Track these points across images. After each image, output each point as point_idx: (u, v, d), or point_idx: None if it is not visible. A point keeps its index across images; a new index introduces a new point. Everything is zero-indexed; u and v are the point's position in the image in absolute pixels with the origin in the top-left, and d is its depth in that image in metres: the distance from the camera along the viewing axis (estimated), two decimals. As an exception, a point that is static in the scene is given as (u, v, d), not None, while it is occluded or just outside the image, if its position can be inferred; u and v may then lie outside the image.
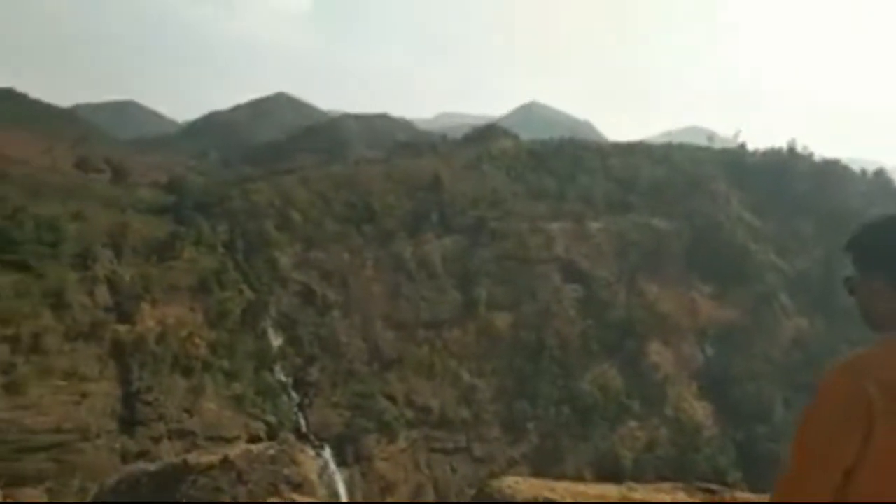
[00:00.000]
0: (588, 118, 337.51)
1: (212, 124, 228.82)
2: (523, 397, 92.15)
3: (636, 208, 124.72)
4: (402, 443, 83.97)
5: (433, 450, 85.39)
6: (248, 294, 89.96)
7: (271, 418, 77.38)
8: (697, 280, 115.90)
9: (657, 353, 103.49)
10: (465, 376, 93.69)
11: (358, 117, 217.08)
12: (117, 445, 64.55)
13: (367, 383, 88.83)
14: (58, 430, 61.41)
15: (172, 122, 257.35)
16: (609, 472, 77.78)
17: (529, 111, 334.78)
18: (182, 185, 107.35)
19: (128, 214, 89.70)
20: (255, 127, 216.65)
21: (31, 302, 67.84)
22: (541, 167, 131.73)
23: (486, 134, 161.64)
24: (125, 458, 63.90)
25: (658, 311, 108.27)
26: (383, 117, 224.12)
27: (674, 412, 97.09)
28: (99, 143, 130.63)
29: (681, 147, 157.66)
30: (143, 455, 65.21)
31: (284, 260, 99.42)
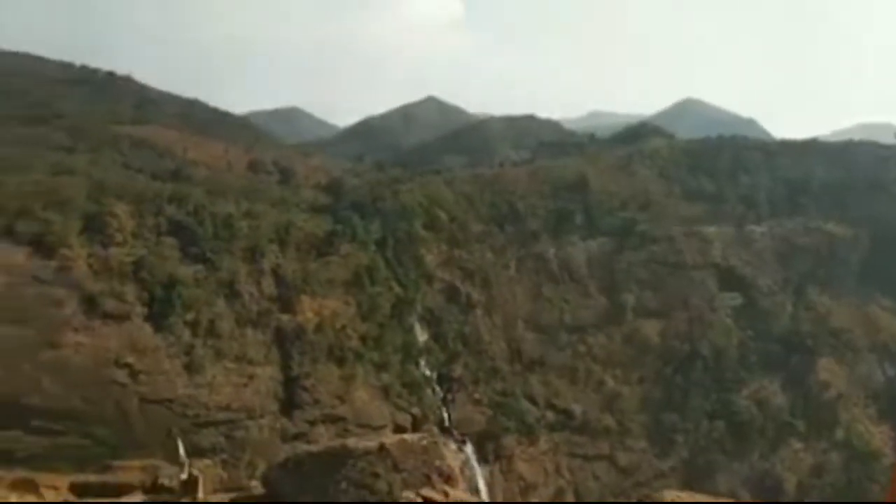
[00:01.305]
0: (752, 115, 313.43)
1: (367, 129, 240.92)
2: (672, 409, 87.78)
3: (806, 211, 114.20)
4: (542, 445, 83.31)
5: (574, 455, 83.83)
6: (397, 290, 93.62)
7: (416, 410, 80.00)
8: (876, 292, 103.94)
9: (828, 371, 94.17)
10: (610, 383, 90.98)
11: (504, 119, 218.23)
12: (278, 426, 69.97)
13: (508, 383, 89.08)
14: (228, 408, 67.77)
15: (333, 127, 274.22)
16: (768, 493, 72.06)
17: (685, 108, 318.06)
18: (340, 186, 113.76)
19: (292, 213, 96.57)
20: (406, 130, 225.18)
21: (207, 291, 75.37)
22: (698, 167, 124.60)
23: (637, 133, 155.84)
24: (284, 437, 69.14)
25: (830, 325, 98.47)
26: (529, 118, 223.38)
27: (846, 435, 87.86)
28: (269, 147, 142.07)
29: (861, 145, 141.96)
30: (300, 436, 70.15)
31: (430, 258, 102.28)
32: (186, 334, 69.62)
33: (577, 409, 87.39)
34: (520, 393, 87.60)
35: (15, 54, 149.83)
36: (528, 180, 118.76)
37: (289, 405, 72.03)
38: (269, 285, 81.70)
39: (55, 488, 6.57)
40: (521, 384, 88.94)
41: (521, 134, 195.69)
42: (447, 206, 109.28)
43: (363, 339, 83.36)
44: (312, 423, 71.98)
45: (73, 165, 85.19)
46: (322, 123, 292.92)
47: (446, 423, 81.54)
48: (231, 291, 76.81)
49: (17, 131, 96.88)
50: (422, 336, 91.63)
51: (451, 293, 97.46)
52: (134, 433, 60.89)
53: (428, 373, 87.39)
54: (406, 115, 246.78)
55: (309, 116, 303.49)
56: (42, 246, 65.70)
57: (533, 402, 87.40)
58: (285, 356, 75.48)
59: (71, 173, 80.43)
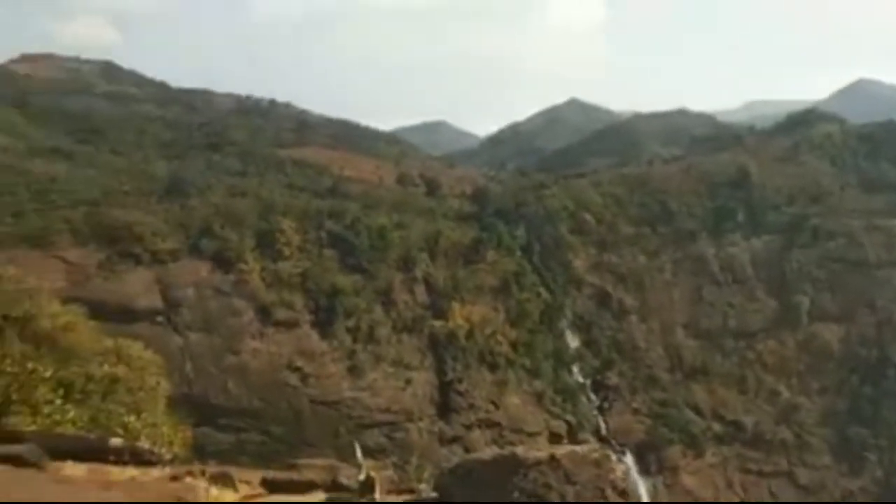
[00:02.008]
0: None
1: (509, 136, 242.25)
2: (860, 422, 78.65)
3: None
4: (710, 458, 78.18)
5: (747, 470, 77.72)
6: (546, 296, 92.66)
7: (571, 418, 78.49)
8: None
9: None
10: (785, 393, 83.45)
11: (652, 116, 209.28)
12: (436, 429, 71.79)
13: (669, 392, 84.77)
14: (388, 411, 70.66)
15: (476, 137, 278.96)
16: None
17: (857, 91, 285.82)
18: (484, 194, 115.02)
19: (439, 223, 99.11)
20: (549, 134, 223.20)
21: (366, 298, 79.24)
22: (877, 154, 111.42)
23: (803, 120, 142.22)
24: (442, 440, 70.81)
25: None
26: (680, 113, 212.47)
27: None
28: (415, 161, 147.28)
29: None
30: (456, 440, 71.44)
31: (579, 263, 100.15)
32: (348, 340, 73.53)
33: (747, 421, 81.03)
34: (682, 402, 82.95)
35: (194, 91, 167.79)
36: (682, 178, 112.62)
37: (445, 409, 73.60)
38: (421, 293, 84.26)
39: (248, 482, 7.09)
40: (682, 393, 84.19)
41: (671, 130, 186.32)
42: (594, 209, 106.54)
43: (514, 345, 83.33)
44: (468, 428, 72.98)
45: (246, 187, 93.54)
46: (465, 134, 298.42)
47: (603, 432, 79.13)
48: (387, 299, 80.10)
49: (198, 159, 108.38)
50: (573, 342, 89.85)
51: (602, 298, 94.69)
52: (306, 432, 65.32)
53: (581, 380, 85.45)
54: (548, 118, 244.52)
55: (452, 128, 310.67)
56: (222, 261, 72.66)
57: (697, 412, 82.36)
58: (439, 361, 77.32)
59: (244, 195, 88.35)
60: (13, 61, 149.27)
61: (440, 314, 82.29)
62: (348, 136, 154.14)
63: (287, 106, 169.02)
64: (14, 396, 14.50)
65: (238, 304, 70.44)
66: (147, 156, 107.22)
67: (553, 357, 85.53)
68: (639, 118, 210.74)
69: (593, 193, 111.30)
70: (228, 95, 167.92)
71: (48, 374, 15.56)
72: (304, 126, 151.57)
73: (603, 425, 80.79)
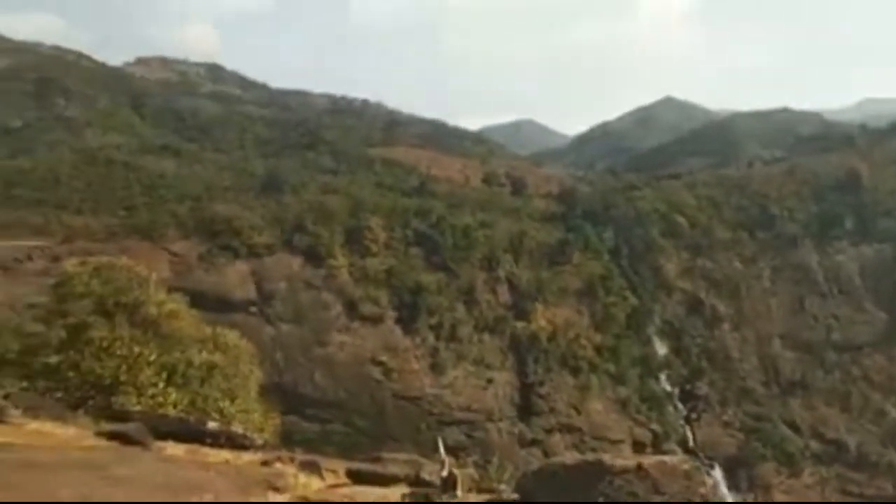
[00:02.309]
0: None
1: (599, 135, 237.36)
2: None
3: None
4: (807, 478, 73.62)
5: (847, 493, 72.63)
6: (633, 300, 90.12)
7: (657, 427, 76.00)
8: None
9: None
10: (893, 413, 77.40)
11: (752, 114, 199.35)
12: (515, 431, 71.38)
13: (763, 406, 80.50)
14: (469, 409, 70.89)
15: (563, 136, 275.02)
16: None
17: None
18: (571, 194, 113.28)
19: (524, 223, 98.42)
20: (641, 134, 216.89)
21: (449, 297, 79.80)
22: None
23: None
24: (522, 442, 70.32)
25: None
26: (784, 112, 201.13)
27: None
28: (502, 160, 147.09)
29: None
30: (536, 443, 70.76)
31: (670, 267, 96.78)
32: (431, 337, 74.30)
33: (850, 440, 75.69)
34: (777, 418, 78.55)
35: (292, 91, 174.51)
36: (784, 180, 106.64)
37: (525, 411, 73.04)
38: (504, 293, 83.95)
39: (334, 472, 7.29)
40: (778, 408, 79.71)
41: (774, 129, 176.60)
42: (688, 212, 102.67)
43: (598, 349, 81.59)
44: (549, 432, 72.11)
45: (337, 185, 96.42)
46: (553, 133, 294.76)
47: (690, 444, 76.11)
48: (470, 298, 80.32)
49: (294, 158, 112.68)
50: (661, 349, 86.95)
51: (694, 305, 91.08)
52: (387, 426, 66.59)
53: (669, 388, 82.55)
54: (641, 117, 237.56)
55: (541, 127, 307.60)
56: (313, 256, 75.16)
57: (794, 428, 77.75)
58: (521, 362, 76.79)
59: (335, 192, 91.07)
60: (129, 64, 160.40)
61: (523, 315, 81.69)
62: (436, 135, 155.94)
63: (378, 106, 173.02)
64: (122, 378, 15.59)
65: (327, 297, 72.66)
66: (247, 154, 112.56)
67: (639, 364, 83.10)
68: (738, 117, 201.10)
69: (687, 195, 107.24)
70: (324, 96, 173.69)
71: (153, 358, 16.61)
72: (393, 125, 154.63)
73: (690, 437, 77.69)
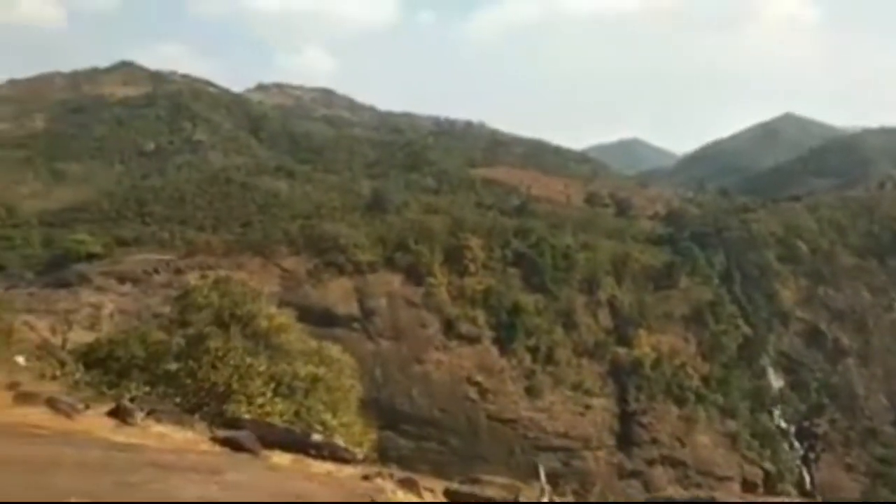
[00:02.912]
0: None
1: (710, 154, 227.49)
2: None
3: None
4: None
5: None
6: (745, 329, 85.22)
7: (769, 466, 71.03)
8: None
9: None
10: None
11: (882, 131, 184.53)
12: (614, 460, 68.97)
13: (892, 448, 73.39)
14: (566, 436, 69.28)
15: (672, 156, 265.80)
16: None
17: None
18: (679, 216, 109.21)
19: (628, 245, 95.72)
20: (757, 152, 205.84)
21: (547, 319, 78.67)
22: None
23: None
24: (620, 473, 67.80)
25: None
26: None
27: None
28: (606, 180, 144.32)
29: None
30: (636, 475, 68.02)
31: (787, 295, 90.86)
32: (528, 359, 73.48)
33: None
34: (910, 463, 71.33)
35: (399, 114, 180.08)
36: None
37: (625, 440, 70.48)
38: (605, 317, 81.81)
39: (431, 491, 7.36)
40: (911, 452, 72.40)
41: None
42: (809, 236, 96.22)
43: (706, 379, 77.60)
44: (650, 463, 69.14)
45: (438, 205, 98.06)
46: (661, 152, 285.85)
47: (807, 486, 70.51)
48: (569, 321, 78.87)
49: (399, 178, 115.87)
50: (776, 382, 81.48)
51: (814, 336, 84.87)
52: (481, 447, 66.27)
53: (784, 425, 77.09)
54: (758, 135, 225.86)
55: (648, 146, 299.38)
56: (413, 274, 76.60)
57: (930, 477, 70.28)
58: (621, 389, 74.33)
59: (436, 212, 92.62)
60: (250, 90, 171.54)
61: (624, 340, 79.21)
62: (538, 154, 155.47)
63: (481, 126, 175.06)
64: (234, 386, 16.51)
65: (425, 315, 73.69)
66: (354, 174, 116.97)
67: (751, 397, 78.22)
68: (867, 134, 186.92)
69: (808, 219, 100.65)
70: (429, 117, 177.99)
71: (262, 368, 17.49)
72: (495, 145, 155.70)
73: (807, 478, 71.95)
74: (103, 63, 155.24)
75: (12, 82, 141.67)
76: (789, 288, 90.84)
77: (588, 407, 71.77)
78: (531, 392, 71.55)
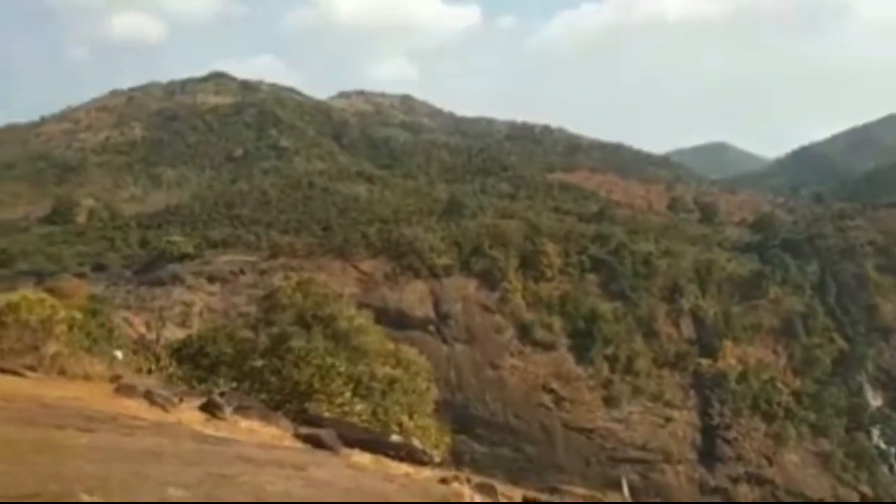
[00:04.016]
0: None
1: (804, 158, 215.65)
2: None
3: None
4: None
5: None
6: (841, 343, 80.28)
7: (866, 489, 66.53)
8: None
9: None
10: None
11: None
12: (696, 475, 66.38)
13: None
14: (644, 448, 67.27)
15: (762, 160, 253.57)
16: None
17: None
18: (769, 222, 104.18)
19: (713, 252, 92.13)
20: (854, 157, 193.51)
21: (626, 327, 76.71)
22: None
23: None
24: (702, 489, 65.15)
25: None
26: None
27: None
28: (690, 185, 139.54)
29: None
30: (719, 492, 65.22)
31: (888, 308, 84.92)
32: (605, 368, 71.90)
33: None
34: None
35: (476, 119, 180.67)
36: None
37: (708, 455, 67.72)
38: (687, 327, 79.01)
39: (509, 497, 7.29)
40: None
41: None
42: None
43: (796, 395, 73.57)
44: (735, 481, 66.13)
45: (514, 210, 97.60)
46: (750, 156, 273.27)
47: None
48: (649, 330, 76.68)
49: (475, 183, 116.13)
50: (875, 401, 76.29)
51: (919, 352, 78.93)
52: (556, 455, 65.33)
53: (883, 446, 72.06)
54: (855, 138, 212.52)
55: (736, 150, 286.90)
56: (488, 279, 76.52)
57: None
58: (704, 403, 71.52)
59: (512, 217, 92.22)
60: (332, 98, 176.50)
61: (708, 352, 76.20)
62: (619, 159, 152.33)
63: (559, 130, 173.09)
64: (316, 385, 16.96)
65: (500, 321, 73.41)
66: (431, 179, 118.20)
67: (846, 415, 73.54)
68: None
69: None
70: (506, 122, 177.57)
71: (342, 369, 17.89)
72: (574, 150, 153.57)
73: (912, 505, 66.92)
74: (197, 73, 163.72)
75: (113, 93, 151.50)
76: (890, 300, 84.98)
77: (668, 419, 69.45)
78: (609, 402, 69.95)
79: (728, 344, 76.85)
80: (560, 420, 68.17)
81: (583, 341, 72.84)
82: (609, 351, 73.16)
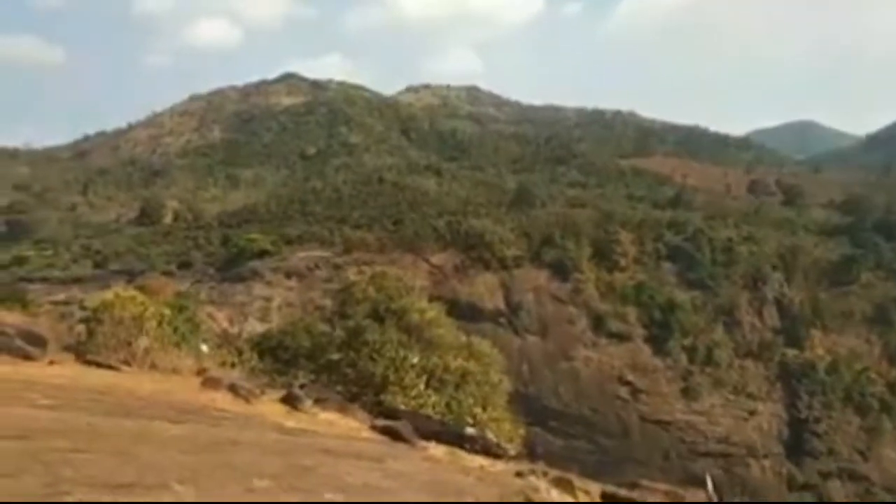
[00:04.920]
0: None
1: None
2: None
3: None
4: None
5: None
6: (943, 331, 74.90)
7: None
8: None
9: None
10: None
11: None
12: (783, 471, 63.56)
13: None
14: (727, 441, 64.93)
15: (852, 137, 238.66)
16: None
17: None
18: (860, 204, 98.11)
19: (798, 237, 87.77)
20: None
21: (705, 317, 74.17)
22: None
23: None
24: (790, 486, 62.38)
25: None
26: None
27: None
28: (772, 166, 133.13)
29: None
30: (809, 488, 62.28)
31: None
32: (683, 359, 69.84)
33: None
34: None
35: (544, 107, 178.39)
36: None
37: (796, 450, 64.71)
38: (771, 316, 75.65)
39: (586, 492, 7.19)
40: None
41: None
42: None
43: (892, 386, 69.19)
44: (825, 476, 62.93)
45: (585, 198, 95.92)
46: (839, 134, 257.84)
47: None
48: (730, 319, 73.92)
49: (544, 172, 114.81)
50: (984, 393, 70.72)
51: None
52: (633, 449, 63.98)
53: None
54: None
55: (822, 127, 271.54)
56: (559, 269, 75.59)
57: None
58: (791, 395, 68.33)
59: (583, 205, 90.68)
60: (400, 93, 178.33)
61: (795, 342, 72.72)
62: (694, 142, 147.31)
63: (631, 115, 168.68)
64: (391, 377, 17.24)
65: (573, 311, 72.42)
66: (499, 170, 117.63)
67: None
68: None
69: None
70: (575, 109, 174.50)
71: (415, 361, 18.10)
72: (647, 135, 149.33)
73: None
74: (270, 75, 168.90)
75: (193, 97, 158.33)
76: None
77: (752, 412, 66.79)
78: (688, 394, 67.93)
79: (816, 333, 73.14)
80: (637, 412, 66.72)
81: (660, 332, 70.94)
82: (687, 342, 71.02)
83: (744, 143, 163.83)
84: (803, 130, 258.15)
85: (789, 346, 72.37)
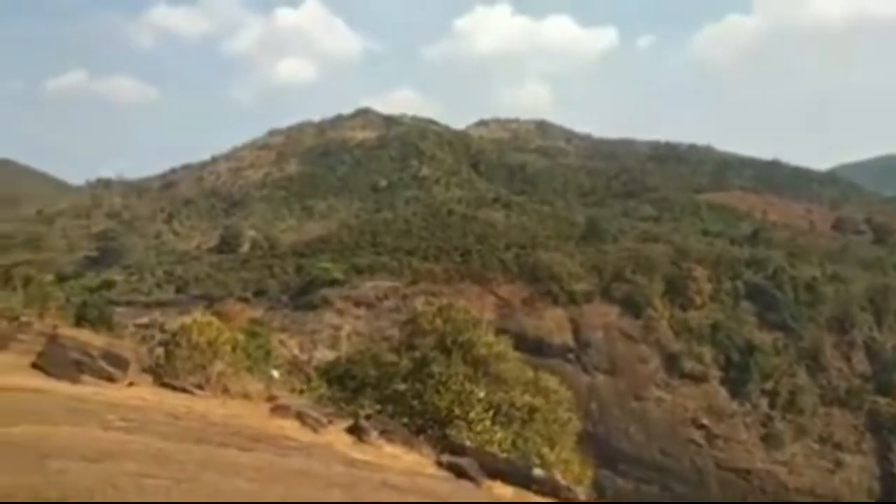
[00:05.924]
0: None
1: None
2: None
3: None
4: None
5: None
6: None
7: None
8: None
9: None
10: None
11: None
12: (875, 530, 58.88)
13: None
14: (812, 493, 60.76)
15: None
16: None
17: None
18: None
19: (890, 277, 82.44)
20: None
21: (787, 360, 70.29)
22: None
23: None
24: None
25: None
26: None
27: None
28: (860, 203, 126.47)
29: None
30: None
31: None
32: (764, 404, 66.27)
33: None
34: None
35: (615, 141, 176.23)
36: None
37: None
38: (860, 361, 70.98)
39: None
40: None
41: None
42: None
43: None
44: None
45: (658, 233, 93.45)
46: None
47: None
48: (815, 364, 69.81)
49: (615, 206, 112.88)
50: None
51: None
52: (709, 497, 60.72)
53: None
54: None
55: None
56: (630, 305, 73.55)
57: None
58: (883, 446, 63.51)
59: (656, 240, 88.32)
60: (470, 127, 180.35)
61: (886, 389, 67.83)
62: (775, 177, 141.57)
63: (707, 149, 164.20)
64: (456, 411, 16.99)
65: (645, 350, 70.15)
66: (569, 204, 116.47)
67: None
68: None
69: None
70: (648, 143, 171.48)
71: (481, 395, 17.79)
72: (723, 169, 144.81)
73: None
74: (346, 110, 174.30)
75: (272, 132, 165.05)
76: None
77: (839, 463, 62.36)
78: (769, 441, 64.21)
79: (913, 380, 68.04)
80: (713, 459, 63.45)
81: (738, 374, 67.69)
82: (768, 386, 67.44)
83: (828, 178, 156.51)
84: (891, 165, 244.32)
85: (880, 393, 67.56)
